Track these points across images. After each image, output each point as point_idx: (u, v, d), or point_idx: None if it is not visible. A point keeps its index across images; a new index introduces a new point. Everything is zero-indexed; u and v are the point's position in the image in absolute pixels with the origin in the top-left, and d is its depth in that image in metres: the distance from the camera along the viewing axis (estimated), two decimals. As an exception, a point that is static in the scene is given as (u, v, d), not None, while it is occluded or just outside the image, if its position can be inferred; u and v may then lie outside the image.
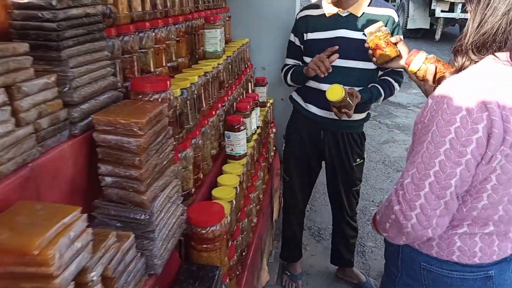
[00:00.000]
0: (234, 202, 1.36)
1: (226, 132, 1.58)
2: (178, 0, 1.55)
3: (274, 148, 2.57)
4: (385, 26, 1.88)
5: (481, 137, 0.89)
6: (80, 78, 0.87)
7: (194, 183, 1.33)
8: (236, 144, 1.57)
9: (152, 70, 1.28)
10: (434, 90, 1.16)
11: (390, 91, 1.98)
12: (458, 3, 9.51)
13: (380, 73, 2.02)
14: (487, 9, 0.95)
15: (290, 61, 2.09)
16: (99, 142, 0.87)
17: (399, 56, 1.54)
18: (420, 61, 1.37)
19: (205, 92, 1.46)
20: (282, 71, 2.11)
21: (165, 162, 0.99)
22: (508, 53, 0.95)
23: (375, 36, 1.49)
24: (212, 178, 1.50)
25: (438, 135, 0.94)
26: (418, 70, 1.38)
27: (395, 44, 1.53)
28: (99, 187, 0.92)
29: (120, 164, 0.88)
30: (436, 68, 1.36)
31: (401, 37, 1.86)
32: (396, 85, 1.99)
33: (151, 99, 1.02)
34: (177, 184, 1.07)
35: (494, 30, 0.94)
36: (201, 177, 1.42)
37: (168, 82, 1.05)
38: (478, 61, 0.98)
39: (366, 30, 1.53)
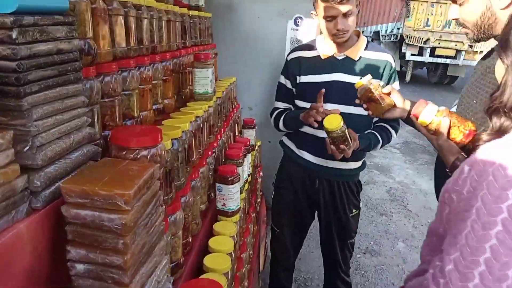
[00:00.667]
0: (230, 274, 1.13)
1: (217, 184, 1.37)
2: (165, 35, 1.38)
3: (261, 193, 2.38)
4: (383, 71, 1.78)
5: None
6: (46, 133, 0.65)
7: (182, 249, 1.10)
8: (229, 198, 1.37)
9: (135, 115, 1.08)
10: (466, 152, 1.01)
11: (387, 138, 1.85)
12: (427, 47, 10.03)
13: (375, 119, 1.89)
14: None
15: (281, 105, 1.92)
16: (69, 218, 0.65)
17: (394, 106, 1.46)
18: (432, 113, 1.26)
19: (196, 140, 1.26)
20: (271, 115, 1.93)
21: (154, 238, 0.77)
22: None
23: (366, 90, 1.42)
24: (202, 240, 1.28)
25: (486, 214, 0.77)
26: (430, 123, 1.27)
27: (388, 94, 1.44)
28: (68, 276, 0.68)
29: (96, 247, 0.66)
30: (450, 122, 1.24)
31: (395, 85, 1.78)
32: (393, 132, 1.87)
33: (138, 156, 0.81)
34: (167, 261, 0.85)
35: None
36: (190, 240, 1.19)
37: (159, 135, 0.85)
38: None
39: (356, 85, 1.46)
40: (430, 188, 4.55)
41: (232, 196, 1.38)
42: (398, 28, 10.23)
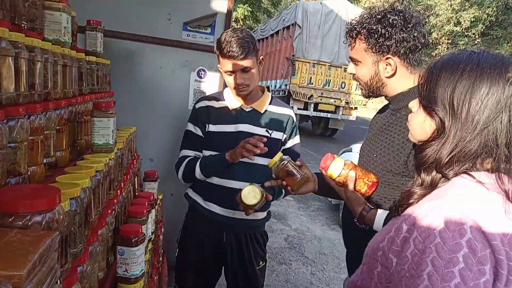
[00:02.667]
0: None
1: (119, 247, 1.22)
2: (60, 81, 1.24)
3: (162, 251, 2.20)
4: (286, 125, 1.87)
5: (488, 280, 0.75)
6: None
7: (76, 332, 0.92)
8: (133, 262, 1.22)
9: (22, 171, 0.91)
10: (395, 208, 0.96)
11: None
12: (311, 103, 11.13)
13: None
14: (465, 122, 0.84)
15: (190, 153, 1.86)
16: None
17: (308, 178, 1.47)
18: (339, 167, 1.34)
19: (95, 197, 1.12)
20: (179, 164, 1.84)
21: (49, 327, 0.62)
22: (492, 176, 0.83)
23: (279, 167, 1.43)
24: (99, 316, 1.09)
25: (439, 279, 0.74)
26: (338, 176, 1.34)
27: (300, 167, 1.47)
28: None
29: None
30: (356, 174, 1.33)
31: (296, 138, 1.88)
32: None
33: (30, 223, 0.67)
34: None
35: (475, 146, 0.83)
36: (86, 318, 1.01)
37: (57, 195, 0.72)
38: (452, 178, 0.87)
39: (270, 163, 1.47)
40: (323, 234, 4.81)
41: (136, 260, 1.23)
42: (286, 85, 11.17)
